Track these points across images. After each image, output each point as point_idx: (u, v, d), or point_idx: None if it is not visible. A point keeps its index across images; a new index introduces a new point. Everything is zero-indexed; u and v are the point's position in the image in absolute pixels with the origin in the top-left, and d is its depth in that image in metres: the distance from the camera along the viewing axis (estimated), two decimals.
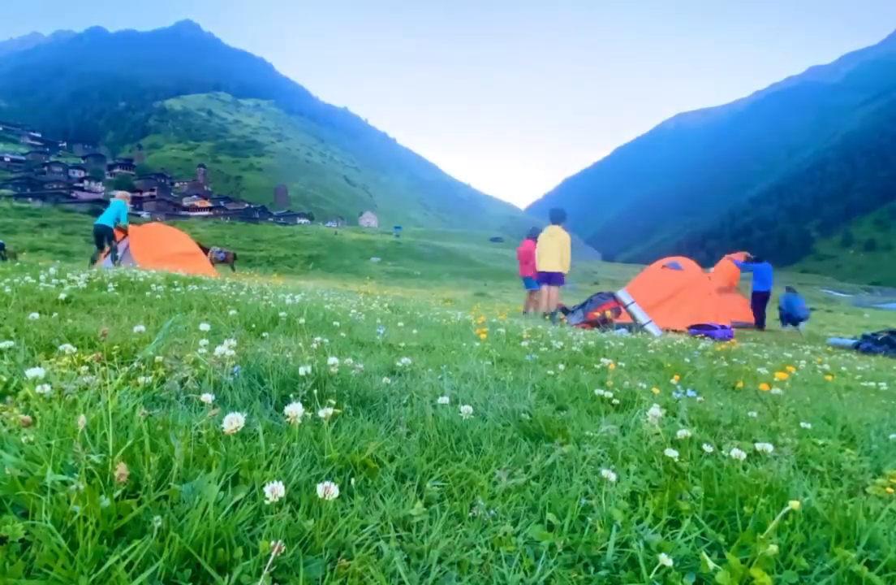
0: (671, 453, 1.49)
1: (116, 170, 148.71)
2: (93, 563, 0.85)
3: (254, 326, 3.38)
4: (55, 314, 3.03)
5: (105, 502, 0.94)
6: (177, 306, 4.09)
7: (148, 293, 4.55)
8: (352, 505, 1.16)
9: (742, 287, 12.92)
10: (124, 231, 10.60)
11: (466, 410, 1.69)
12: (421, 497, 1.26)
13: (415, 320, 5.29)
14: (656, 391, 2.41)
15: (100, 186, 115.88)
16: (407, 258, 55.28)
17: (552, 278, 8.47)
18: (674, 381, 2.82)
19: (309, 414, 1.46)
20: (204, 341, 2.16)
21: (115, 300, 4.06)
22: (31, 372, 1.34)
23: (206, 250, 15.68)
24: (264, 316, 3.67)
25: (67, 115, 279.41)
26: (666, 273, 10.38)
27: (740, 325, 10.70)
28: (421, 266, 49.03)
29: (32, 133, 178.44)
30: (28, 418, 1.15)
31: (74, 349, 1.81)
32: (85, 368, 1.74)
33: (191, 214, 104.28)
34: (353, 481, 1.27)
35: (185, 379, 1.81)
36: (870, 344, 7.74)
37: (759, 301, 11.58)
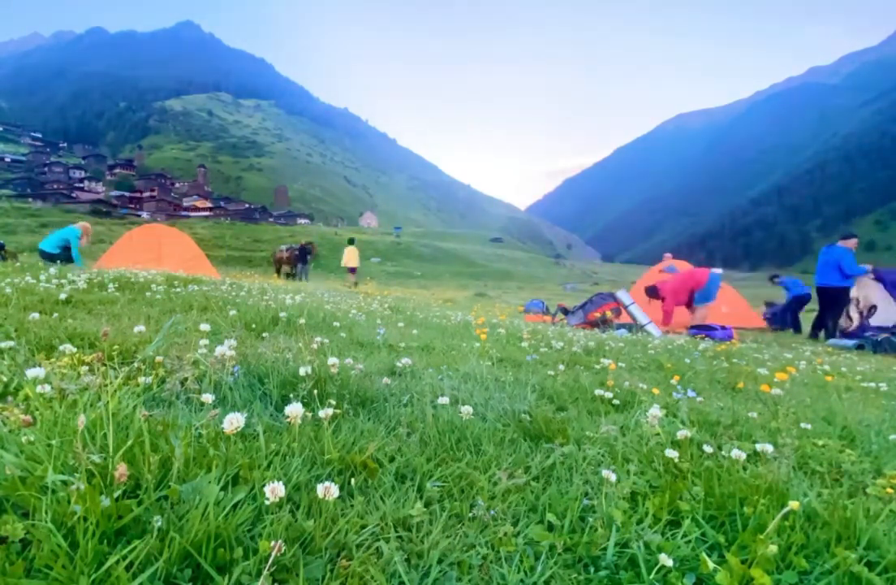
0: (671, 453, 1.49)
1: (117, 170, 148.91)
2: (93, 563, 0.85)
3: (254, 326, 3.38)
4: (55, 314, 3.03)
5: (105, 502, 0.94)
6: (177, 307, 4.09)
7: (148, 294, 4.55)
8: (352, 505, 1.16)
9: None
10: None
11: (466, 410, 1.69)
12: (421, 498, 1.26)
13: (415, 320, 5.29)
14: (656, 391, 2.41)
15: (100, 187, 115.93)
16: (407, 259, 55.27)
17: None
18: (674, 381, 2.82)
19: (309, 414, 1.46)
20: (204, 342, 2.16)
21: (115, 301, 4.06)
22: (32, 372, 1.34)
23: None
24: (264, 316, 3.67)
25: (68, 115, 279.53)
26: (664, 277, 10.39)
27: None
28: (421, 267, 49.02)
29: (33, 133, 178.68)
30: (28, 418, 1.15)
31: (75, 349, 1.81)
32: (85, 368, 1.74)
33: (191, 214, 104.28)
34: (353, 481, 1.27)
35: (186, 379, 1.81)
36: (870, 344, 7.74)
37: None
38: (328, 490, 1.02)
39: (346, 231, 79.71)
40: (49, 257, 8.71)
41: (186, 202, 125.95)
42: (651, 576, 1.00)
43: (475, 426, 1.73)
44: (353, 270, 16.91)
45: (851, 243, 8.77)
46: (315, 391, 1.77)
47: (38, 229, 44.78)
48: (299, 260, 17.79)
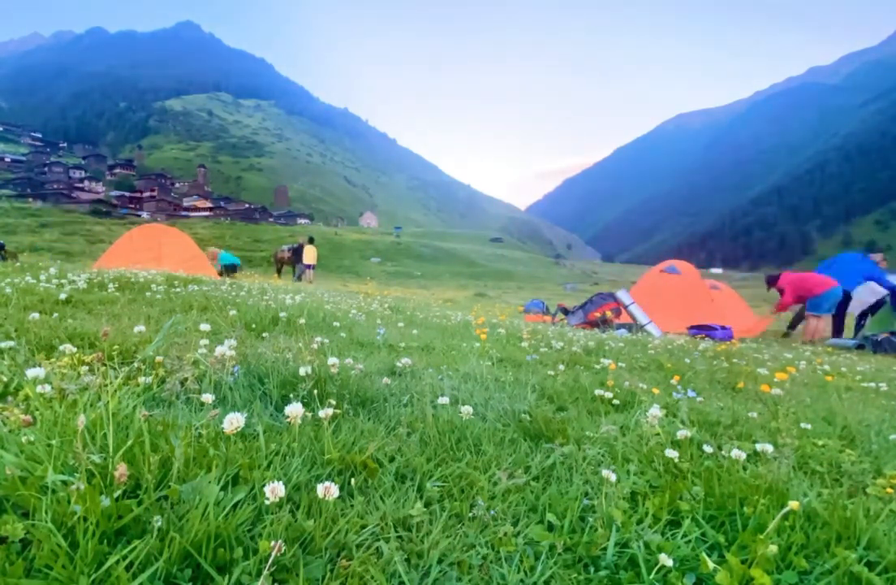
0: (671, 453, 1.49)
1: (117, 170, 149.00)
2: (93, 563, 0.85)
3: (254, 326, 3.38)
4: (55, 314, 3.03)
5: (105, 502, 0.94)
6: (177, 307, 4.09)
7: (148, 294, 4.55)
8: (352, 505, 1.16)
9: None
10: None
11: (466, 410, 1.69)
12: (421, 498, 1.26)
13: (415, 320, 5.29)
14: (656, 391, 2.41)
15: (100, 187, 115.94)
16: (407, 259, 55.27)
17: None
18: (674, 381, 2.82)
19: (309, 414, 1.46)
20: (204, 342, 2.16)
21: (115, 301, 4.06)
22: (32, 372, 1.34)
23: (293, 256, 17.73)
24: (264, 316, 3.67)
25: (68, 115, 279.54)
26: (664, 278, 10.35)
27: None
28: (421, 267, 49.02)
29: (33, 133, 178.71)
30: (28, 418, 1.15)
31: (75, 349, 1.81)
32: (85, 368, 1.74)
33: (191, 214, 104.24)
34: (353, 481, 1.27)
35: (186, 379, 1.81)
36: (870, 345, 7.74)
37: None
38: (328, 490, 1.02)
39: (346, 231, 79.77)
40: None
41: (186, 202, 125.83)
42: (651, 576, 1.00)
43: (475, 426, 1.73)
44: (310, 266, 17.58)
45: (878, 256, 9.29)
46: (315, 391, 1.77)
47: (38, 229, 44.76)
48: (298, 260, 18.05)
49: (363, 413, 1.84)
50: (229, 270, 13.80)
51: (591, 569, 1.07)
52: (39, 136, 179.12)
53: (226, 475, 1.14)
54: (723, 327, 8.19)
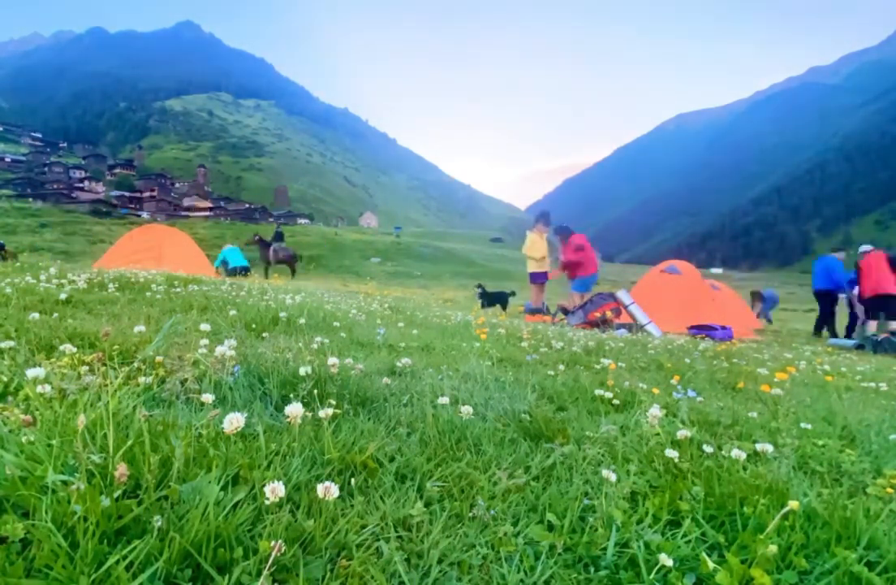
0: (671, 453, 1.49)
1: (117, 170, 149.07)
2: (93, 563, 0.85)
3: (254, 326, 3.38)
4: (55, 314, 3.03)
5: (105, 502, 0.94)
6: (177, 307, 4.09)
7: (148, 294, 4.55)
8: (352, 505, 1.16)
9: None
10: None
11: (466, 410, 1.69)
12: (421, 498, 1.26)
13: (415, 320, 5.29)
14: (656, 391, 2.41)
15: (100, 187, 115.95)
16: (407, 259, 55.24)
17: None
18: (674, 381, 2.82)
19: (309, 414, 1.46)
20: (204, 342, 2.16)
21: (115, 300, 4.06)
22: (32, 372, 1.34)
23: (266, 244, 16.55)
24: (264, 316, 3.67)
25: (68, 115, 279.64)
26: (665, 278, 10.35)
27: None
28: (421, 266, 48.99)
29: (33, 133, 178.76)
30: (29, 418, 1.15)
31: (75, 349, 1.81)
32: (85, 368, 1.74)
33: (191, 214, 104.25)
34: (353, 481, 1.27)
35: (186, 379, 1.81)
36: (870, 345, 7.74)
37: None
38: (328, 490, 1.02)
39: (346, 231, 79.74)
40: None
41: (186, 202, 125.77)
42: (651, 576, 1.00)
43: (475, 426, 1.73)
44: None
45: (840, 254, 10.22)
46: (315, 391, 1.77)
47: (39, 229, 44.76)
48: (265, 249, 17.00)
49: (363, 413, 1.84)
50: (238, 272, 12.01)
51: (591, 569, 1.07)
52: (39, 136, 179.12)
53: (226, 475, 1.14)
54: (723, 327, 8.19)
